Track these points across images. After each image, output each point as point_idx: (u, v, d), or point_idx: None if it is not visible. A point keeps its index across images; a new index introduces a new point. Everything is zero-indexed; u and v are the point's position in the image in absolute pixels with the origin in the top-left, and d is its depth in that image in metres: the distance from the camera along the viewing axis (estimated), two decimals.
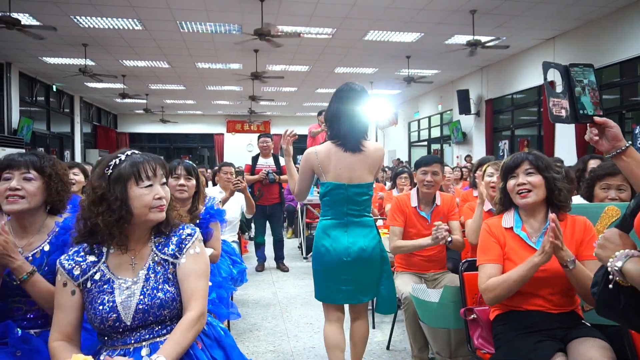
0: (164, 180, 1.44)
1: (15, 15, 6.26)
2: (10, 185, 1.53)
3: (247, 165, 5.30)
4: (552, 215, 1.48)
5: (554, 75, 1.55)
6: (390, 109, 15.49)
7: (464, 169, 6.50)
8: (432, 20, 7.33)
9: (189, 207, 2.34)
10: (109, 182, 1.33)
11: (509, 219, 1.77)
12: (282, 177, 5.10)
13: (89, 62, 9.67)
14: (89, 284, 1.34)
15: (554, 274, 1.60)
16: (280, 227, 5.38)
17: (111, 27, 7.59)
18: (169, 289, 1.37)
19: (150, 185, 1.38)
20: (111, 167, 1.35)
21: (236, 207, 3.83)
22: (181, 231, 1.45)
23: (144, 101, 14.66)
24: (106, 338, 1.34)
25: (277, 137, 19.38)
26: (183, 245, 1.42)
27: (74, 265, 1.34)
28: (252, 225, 5.85)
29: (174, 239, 1.43)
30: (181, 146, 19.84)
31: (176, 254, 1.41)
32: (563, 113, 1.35)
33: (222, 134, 19.15)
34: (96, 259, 1.36)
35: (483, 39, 7.48)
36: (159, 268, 1.39)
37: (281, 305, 3.89)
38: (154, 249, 1.42)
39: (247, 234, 6.67)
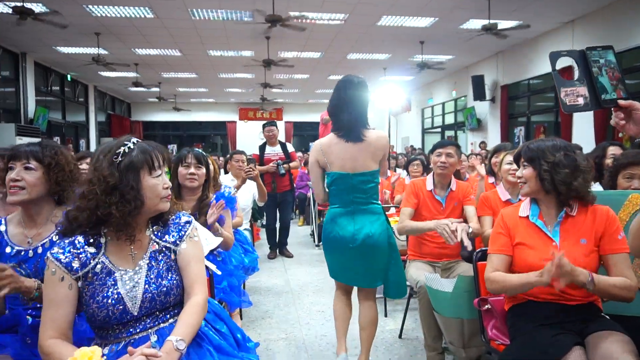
0: (167, 169, 1.44)
1: (29, 5, 6.29)
2: (10, 176, 1.54)
3: (254, 155, 5.30)
4: (557, 255, 1.38)
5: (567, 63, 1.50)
6: (404, 96, 15.29)
7: (477, 157, 6.38)
8: (447, 5, 7.17)
9: (199, 195, 2.33)
10: (120, 171, 1.30)
11: (525, 208, 1.73)
12: (291, 164, 5.08)
13: (102, 51, 9.69)
14: (89, 277, 1.30)
15: None
16: (289, 214, 5.40)
17: (123, 15, 7.59)
18: (173, 276, 1.38)
19: (160, 175, 1.38)
20: (120, 155, 1.31)
21: (248, 195, 3.83)
22: (178, 220, 1.46)
23: (157, 90, 14.71)
24: (107, 332, 1.31)
25: (289, 125, 19.32)
26: (183, 233, 1.44)
27: (71, 257, 1.29)
28: (265, 212, 5.86)
29: (173, 227, 1.44)
30: (194, 134, 19.93)
31: (177, 242, 1.42)
32: (580, 101, 1.26)
33: (235, 122, 19.16)
34: (95, 251, 1.32)
35: (499, 23, 7.30)
36: (160, 256, 1.39)
37: (293, 293, 3.90)
38: (153, 237, 1.41)
39: (259, 221, 6.69)
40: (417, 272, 2.43)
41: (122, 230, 1.32)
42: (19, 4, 6.08)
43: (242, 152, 3.99)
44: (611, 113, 1.29)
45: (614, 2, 7.08)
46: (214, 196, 2.38)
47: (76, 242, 1.31)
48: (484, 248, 1.95)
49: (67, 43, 9.32)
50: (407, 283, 2.47)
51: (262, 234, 6.23)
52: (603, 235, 1.59)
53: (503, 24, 7.46)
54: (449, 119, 13.67)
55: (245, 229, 3.79)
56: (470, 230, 2.32)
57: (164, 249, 1.40)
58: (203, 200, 2.33)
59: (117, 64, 10.10)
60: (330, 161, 2.26)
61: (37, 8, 6.89)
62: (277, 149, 5.13)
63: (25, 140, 9.41)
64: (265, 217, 5.87)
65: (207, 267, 1.69)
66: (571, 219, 1.64)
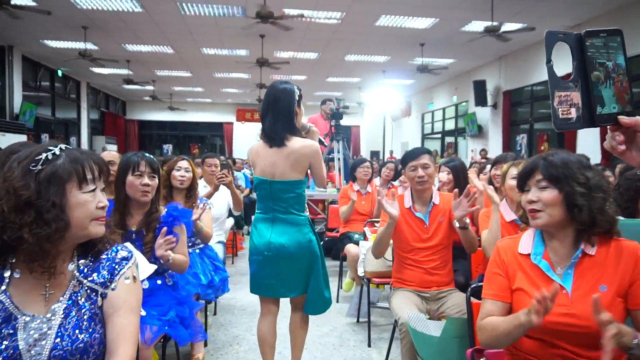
0: (103, 185, 1.11)
1: None
2: None
3: None
4: (554, 286, 1.06)
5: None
6: (402, 99, 14.98)
7: (474, 167, 6.04)
8: (448, 5, 6.84)
9: (147, 209, 1.98)
10: (39, 183, 0.99)
11: (527, 243, 1.35)
12: None
13: (91, 46, 9.37)
14: None
15: (589, 328, 1.17)
16: None
17: (110, 8, 7.26)
18: (95, 328, 1.06)
19: (93, 191, 1.06)
20: (40, 163, 1.01)
21: (222, 203, 3.48)
22: (114, 253, 1.14)
23: (151, 88, 14.38)
24: None
25: None
26: (116, 271, 1.12)
27: None
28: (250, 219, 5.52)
29: (105, 263, 1.12)
30: (191, 134, 19.61)
31: (107, 283, 1.11)
32: (573, 113, 0.88)
33: (232, 123, 18.83)
34: None
35: (503, 25, 6.96)
36: (82, 300, 1.08)
37: None
38: (77, 274, 1.09)
39: (244, 228, 6.34)
40: (400, 304, 2.07)
41: (37, 260, 1.00)
42: None
43: (214, 156, 3.65)
44: None
45: (622, 6, 6.76)
46: (165, 209, 2.03)
47: None
48: (479, 284, 1.60)
49: (55, 37, 9.00)
50: (394, 314, 2.11)
51: (246, 242, 5.87)
52: (634, 282, 1.22)
53: (506, 27, 7.12)
54: (450, 125, 13.33)
55: (218, 242, 3.45)
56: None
57: (88, 290, 1.09)
58: (152, 213, 1.98)
59: (106, 59, 9.76)
60: (254, 165, 2.25)
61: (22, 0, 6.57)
62: None
63: (10, 136, 9.12)
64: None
65: None
66: (588, 259, 1.27)
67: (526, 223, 1.39)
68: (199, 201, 2.74)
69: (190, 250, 2.58)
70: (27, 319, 1.01)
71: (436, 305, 2.18)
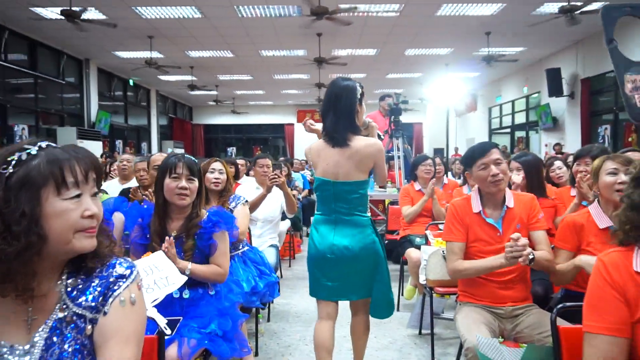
0: (96, 189, 0.95)
1: (77, 9, 6.30)
2: None
3: None
4: None
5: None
6: (469, 94, 14.24)
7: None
8: None
9: (187, 213, 1.88)
10: (8, 189, 0.84)
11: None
12: None
13: (157, 55, 9.77)
14: None
15: None
16: None
17: (171, 16, 7.50)
18: None
19: (79, 196, 0.89)
20: (12, 165, 0.86)
21: (275, 205, 3.35)
22: (111, 270, 0.95)
23: (215, 92, 14.80)
24: None
25: None
26: (110, 292, 0.92)
27: None
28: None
29: (98, 282, 0.93)
30: (254, 137, 20.03)
31: (98, 306, 0.92)
32: None
33: (292, 124, 18.97)
34: None
35: (579, 4, 6.30)
36: (68, 329, 0.90)
37: None
38: (65, 295, 0.92)
39: (303, 230, 6.23)
40: (468, 324, 1.79)
41: (8, 281, 0.85)
42: (66, 8, 6.11)
43: (266, 156, 3.53)
44: None
45: None
46: (207, 213, 1.91)
47: None
48: (568, 303, 1.31)
49: (124, 47, 9.48)
50: (460, 335, 1.85)
51: (304, 245, 5.75)
52: None
53: (584, 8, 6.44)
54: (520, 118, 12.46)
55: (271, 245, 3.33)
56: (533, 256, 1.70)
57: (75, 317, 0.91)
58: (192, 218, 1.87)
59: (171, 66, 10.15)
60: (315, 165, 2.19)
61: (91, 14, 6.94)
62: None
63: (86, 143, 9.76)
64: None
65: (154, 321, 1.22)
66: None
67: (627, 244, 1.07)
68: (230, 199, 2.64)
69: (231, 255, 2.46)
70: (5, 349, 0.87)
71: (511, 324, 1.87)
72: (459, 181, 4.91)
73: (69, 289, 0.93)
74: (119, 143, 12.40)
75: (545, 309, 1.96)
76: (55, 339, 0.89)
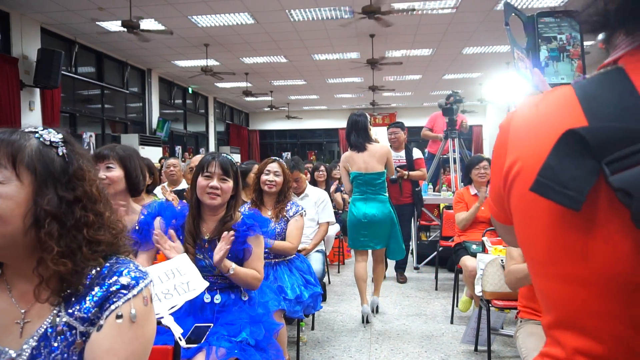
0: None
1: (137, 19, 6.58)
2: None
3: None
4: None
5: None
6: (531, 93, 13.41)
7: None
8: None
9: (221, 215, 1.80)
10: None
11: None
12: (411, 173, 4.36)
13: (213, 62, 10.04)
14: None
15: None
16: (408, 231, 4.58)
17: (226, 24, 7.65)
18: None
19: None
20: None
21: (310, 212, 3.23)
22: (116, 278, 0.84)
23: (269, 98, 15.02)
24: None
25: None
26: (108, 304, 0.82)
27: None
28: None
29: (97, 290, 0.82)
30: (309, 141, 20.12)
31: (92, 318, 0.82)
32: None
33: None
34: None
35: None
36: (57, 340, 0.81)
37: (372, 332, 3.17)
38: (61, 300, 0.83)
39: None
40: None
41: (67, 257, 0.81)
42: (126, 19, 6.38)
43: (322, 164, 3.51)
44: None
45: None
46: (241, 216, 1.82)
47: None
48: None
49: (182, 56, 9.82)
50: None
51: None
52: None
53: None
54: None
55: (317, 251, 3.21)
56: None
57: (64, 327, 0.81)
58: (226, 221, 1.79)
59: (226, 73, 10.38)
60: (351, 165, 3.44)
61: (150, 23, 7.24)
62: (401, 154, 4.52)
63: (147, 149, 10.22)
64: None
65: (170, 330, 1.13)
66: None
67: None
68: (289, 206, 2.53)
69: (277, 260, 2.36)
70: None
71: None
72: None
73: (65, 297, 0.84)
74: (178, 149, 12.88)
75: None
76: (43, 350, 0.80)
